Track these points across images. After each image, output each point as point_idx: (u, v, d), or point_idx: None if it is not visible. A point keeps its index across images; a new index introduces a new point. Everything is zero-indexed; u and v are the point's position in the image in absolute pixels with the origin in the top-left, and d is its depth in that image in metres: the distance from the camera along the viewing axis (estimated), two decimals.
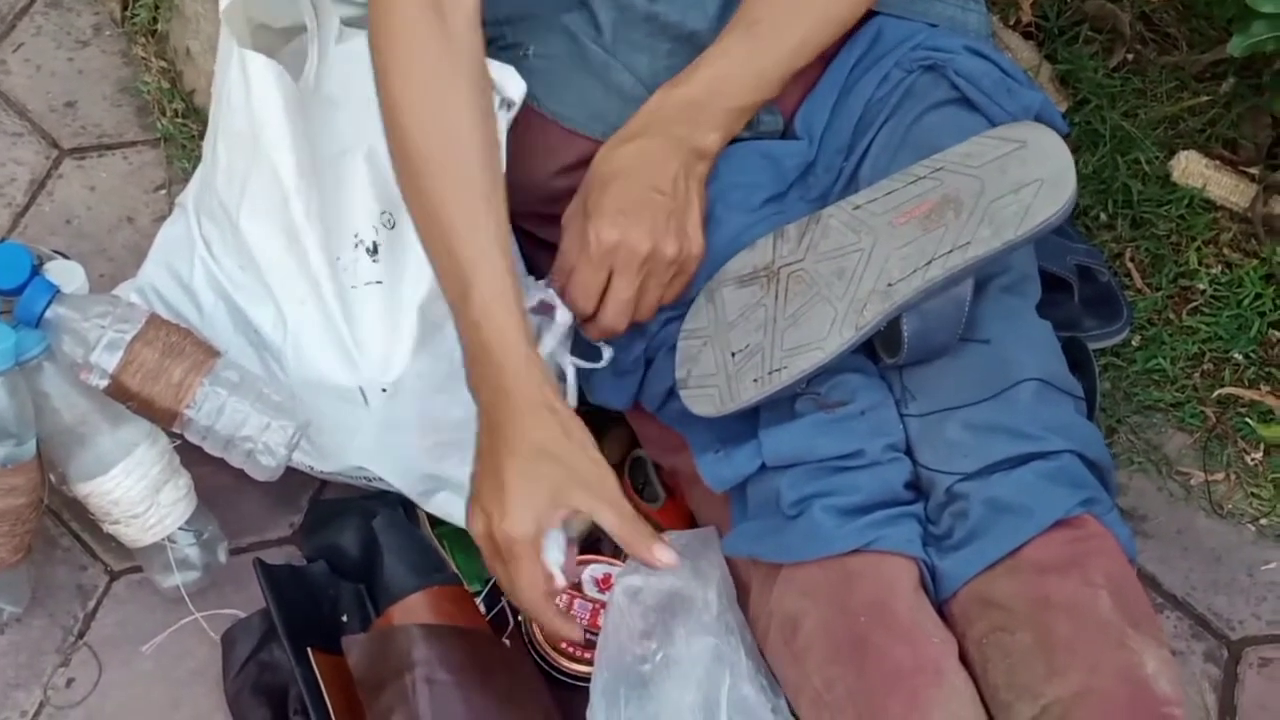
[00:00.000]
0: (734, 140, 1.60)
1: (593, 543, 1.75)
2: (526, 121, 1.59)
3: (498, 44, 1.66)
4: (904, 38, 1.65)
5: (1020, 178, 1.49)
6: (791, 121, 1.66)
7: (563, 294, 1.52)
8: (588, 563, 1.69)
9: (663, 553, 1.39)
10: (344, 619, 1.62)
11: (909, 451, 1.50)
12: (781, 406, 1.51)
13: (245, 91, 1.54)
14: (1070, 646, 1.38)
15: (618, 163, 1.52)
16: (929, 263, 1.48)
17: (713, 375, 1.52)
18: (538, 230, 1.66)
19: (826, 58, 1.65)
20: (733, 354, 1.52)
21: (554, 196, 1.61)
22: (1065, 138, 1.76)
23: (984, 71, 1.64)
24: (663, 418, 1.60)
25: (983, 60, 1.65)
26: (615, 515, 1.40)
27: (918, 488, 1.50)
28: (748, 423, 1.53)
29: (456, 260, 1.43)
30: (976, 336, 1.52)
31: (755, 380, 1.50)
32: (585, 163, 1.59)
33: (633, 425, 1.72)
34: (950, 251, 1.48)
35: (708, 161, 1.54)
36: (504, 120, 1.58)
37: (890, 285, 1.48)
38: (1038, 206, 1.48)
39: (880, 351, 1.54)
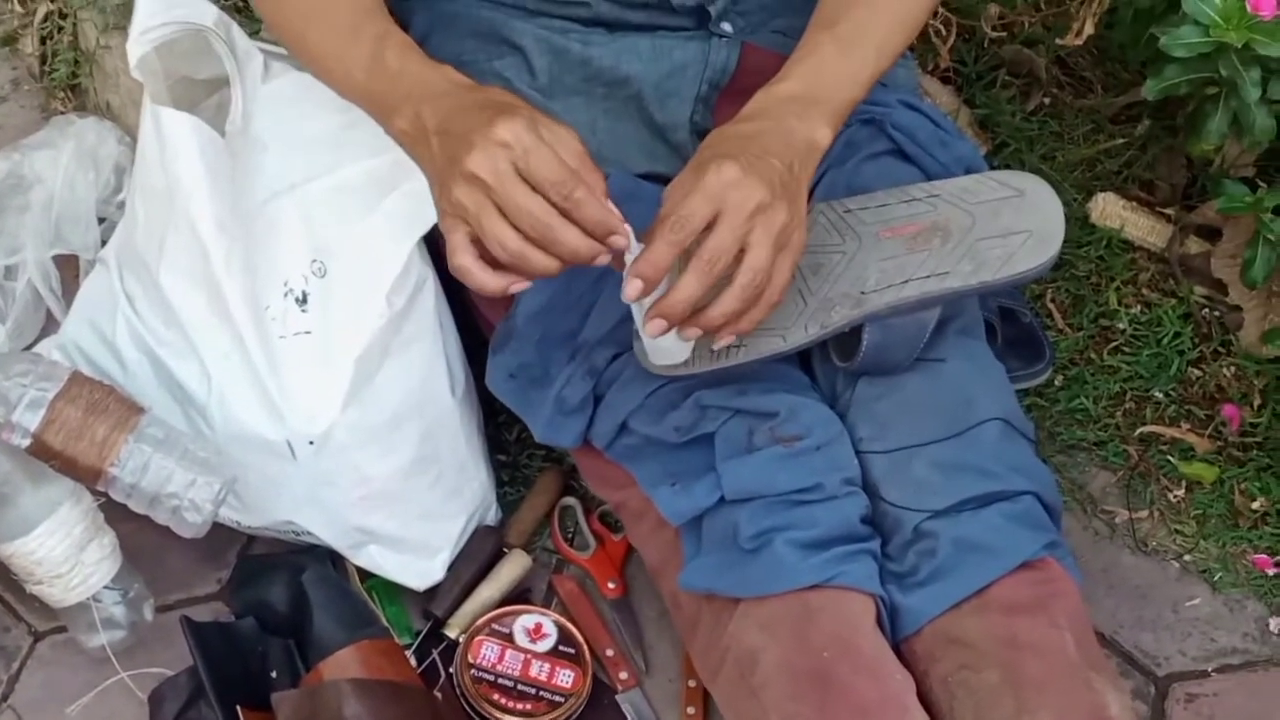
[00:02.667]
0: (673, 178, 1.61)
1: (523, 594, 1.74)
2: None
3: None
4: None
5: (1011, 225, 1.51)
6: None
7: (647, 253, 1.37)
8: (518, 613, 1.69)
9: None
10: (273, 675, 1.60)
11: (866, 488, 1.52)
12: (738, 440, 1.51)
13: (159, 147, 1.53)
14: (1040, 686, 1.40)
15: (735, 137, 1.42)
16: (905, 282, 1.50)
17: (671, 335, 1.52)
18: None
19: None
20: None
21: None
22: None
23: (919, 125, 1.69)
24: (611, 454, 1.60)
25: (917, 114, 1.70)
26: (564, 128, 1.35)
27: (873, 524, 1.51)
28: (700, 458, 1.53)
29: (347, 55, 1.44)
30: (940, 375, 1.54)
31: (714, 351, 1.50)
32: None
33: (577, 461, 1.71)
34: (928, 277, 1.50)
35: (818, 155, 1.47)
36: None
37: (863, 293, 1.50)
38: (1021, 256, 1.50)
39: (834, 353, 1.55)
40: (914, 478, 1.50)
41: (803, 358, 1.59)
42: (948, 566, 1.46)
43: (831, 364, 1.57)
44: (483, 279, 1.34)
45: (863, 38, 1.52)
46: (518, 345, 1.61)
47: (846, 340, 1.53)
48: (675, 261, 1.36)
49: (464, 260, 1.34)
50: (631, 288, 1.35)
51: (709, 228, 1.35)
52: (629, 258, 1.36)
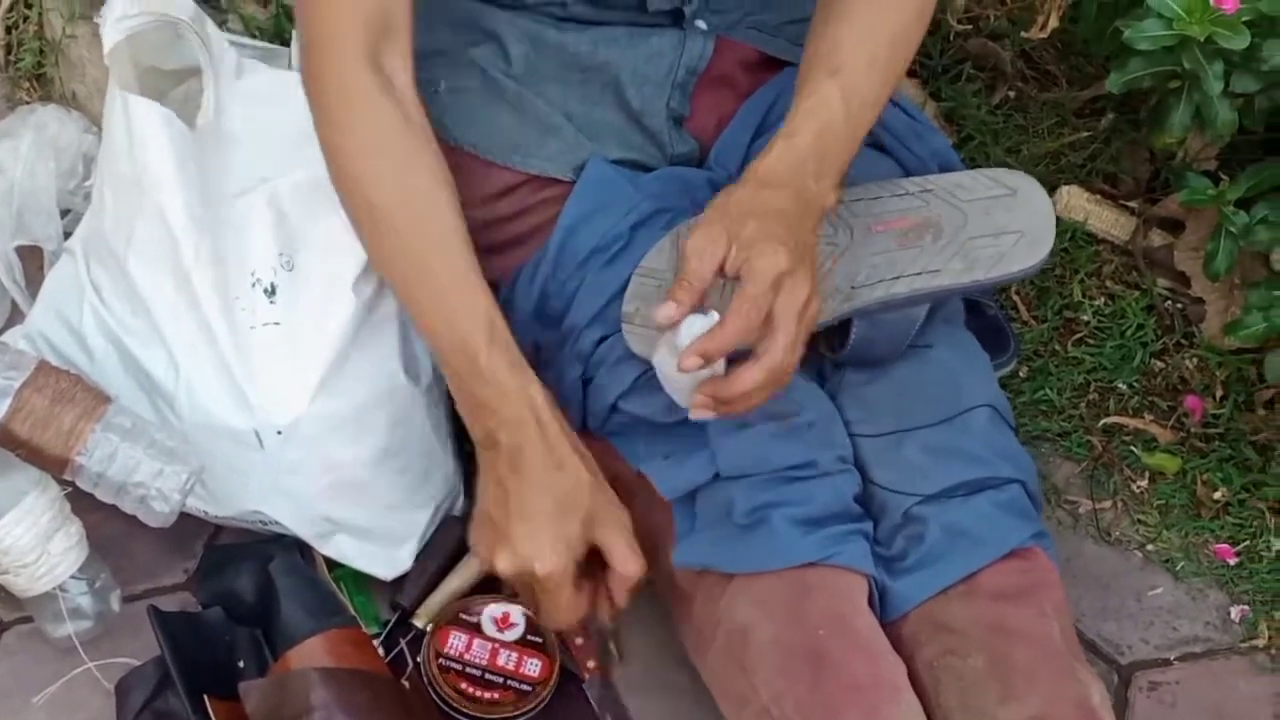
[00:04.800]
0: (649, 166, 1.64)
1: (490, 582, 1.74)
2: (445, 158, 1.60)
3: None
4: None
5: (1003, 224, 1.52)
6: (707, 154, 1.69)
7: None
8: (486, 602, 1.69)
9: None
10: (240, 665, 1.60)
11: (858, 469, 1.52)
12: (730, 420, 1.52)
13: (128, 135, 1.53)
14: (1027, 674, 1.42)
15: (767, 211, 1.42)
16: (896, 278, 1.50)
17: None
18: None
19: (741, 95, 1.68)
20: None
21: (474, 228, 1.62)
22: None
23: (894, 117, 1.70)
24: (603, 432, 1.61)
25: (892, 106, 1.70)
26: (628, 548, 1.43)
27: (865, 504, 1.52)
28: (693, 436, 1.54)
29: (455, 327, 1.43)
30: (928, 361, 1.55)
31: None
32: (506, 192, 1.61)
33: None
34: (919, 274, 1.50)
35: (823, 216, 1.48)
36: None
37: (853, 288, 1.50)
38: (1012, 256, 1.51)
39: (820, 344, 1.56)
40: (904, 461, 1.51)
41: None
42: (936, 552, 1.47)
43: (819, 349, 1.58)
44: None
45: (863, 93, 1.50)
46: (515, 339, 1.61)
47: (834, 331, 1.54)
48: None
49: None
50: (689, 362, 1.37)
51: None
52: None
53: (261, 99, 1.60)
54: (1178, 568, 1.87)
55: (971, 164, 2.12)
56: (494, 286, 1.60)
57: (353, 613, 1.66)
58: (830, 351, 1.55)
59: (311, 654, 1.56)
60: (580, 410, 1.60)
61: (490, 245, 1.63)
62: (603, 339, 1.57)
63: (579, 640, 1.70)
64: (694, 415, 1.44)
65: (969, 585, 1.47)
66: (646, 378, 1.55)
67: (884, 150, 1.69)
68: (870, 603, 1.47)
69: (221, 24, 1.78)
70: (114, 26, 1.52)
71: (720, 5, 1.68)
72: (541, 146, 1.63)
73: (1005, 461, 1.53)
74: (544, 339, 1.61)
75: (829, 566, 1.46)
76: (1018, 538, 1.49)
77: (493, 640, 1.66)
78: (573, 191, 1.61)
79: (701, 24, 1.66)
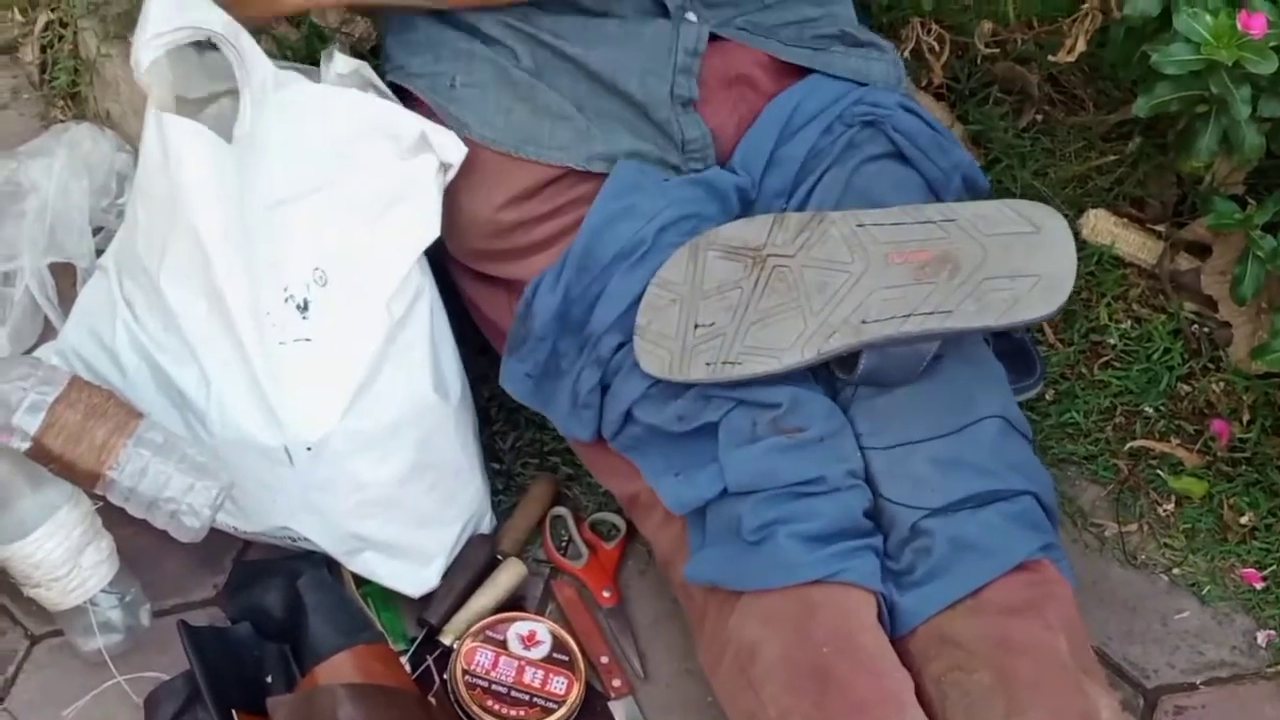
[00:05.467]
0: (676, 172, 1.65)
1: (517, 601, 1.75)
2: (468, 157, 1.61)
3: (425, 76, 1.68)
4: (842, 92, 1.72)
5: (1022, 266, 1.51)
6: (730, 156, 1.70)
7: None
8: (512, 620, 1.70)
9: None
10: (269, 680, 1.61)
11: (869, 483, 1.53)
12: (741, 430, 1.53)
13: (163, 153, 1.54)
14: (1033, 688, 1.42)
15: None
16: (908, 316, 1.51)
17: (670, 339, 1.53)
18: (489, 268, 1.69)
19: (764, 95, 1.71)
20: (696, 325, 1.53)
21: (502, 230, 1.64)
22: (985, 195, 1.82)
23: (919, 129, 1.72)
24: (617, 445, 1.62)
25: (917, 119, 1.73)
26: None
27: (875, 519, 1.52)
28: (705, 449, 1.54)
29: None
30: (938, 372, 1.56)
31: (708, 364, 1.51)
32: (535, 192, 1.62)
33: (590, 460, 1.73)
34: (932, 313, 1.51)
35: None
36: (442, 182, 1.60)
37: (864, 322, 1.51)
38: (1027, 302, 1.51)
39: (833, 365, 1.56)
40: (912, 474, 1.51)
41: None
42: (943, 566, 1.47)
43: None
44: None
45: None
46: (534, 346, 1.62)
47: (845, 357, 1.54)
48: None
49: None
50: None
51: None
52: None
53: (298, 112, 1.61)
54: (1204, 592, 1.87)
55: (998, 187, 2.13)
56: (519, 292, 1.61)
57: (380, 629, 1.67)
58: (842, 373, 1.56)
59: (339, 670, 1.56)
60: (597, 417, 1.61)
61: (516, 249, 1.64)
62: (621, 345, 1.58)
63: (604, 659, 1.70)
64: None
65: (975, 600, 1.47)
66: (660, 385, 1.56)
67: (907, 162, 1.71)
68: (880, 618, 1.47)
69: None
70: (149, 44, 1.53)
71: (711, 1, 1.70)
72: (553, 136, 1.65)
73: (1016, 473, 1.53)
74: (564, 345, 1.62)
75: (835, 583, 1.46)
76: (1025, 551, 1.49)
77: (519, 658, 1.67)
78: (599, 194, 1.62)
79: (691, 16, 1.68)
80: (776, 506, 1.49)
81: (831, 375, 1.59)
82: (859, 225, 1.53)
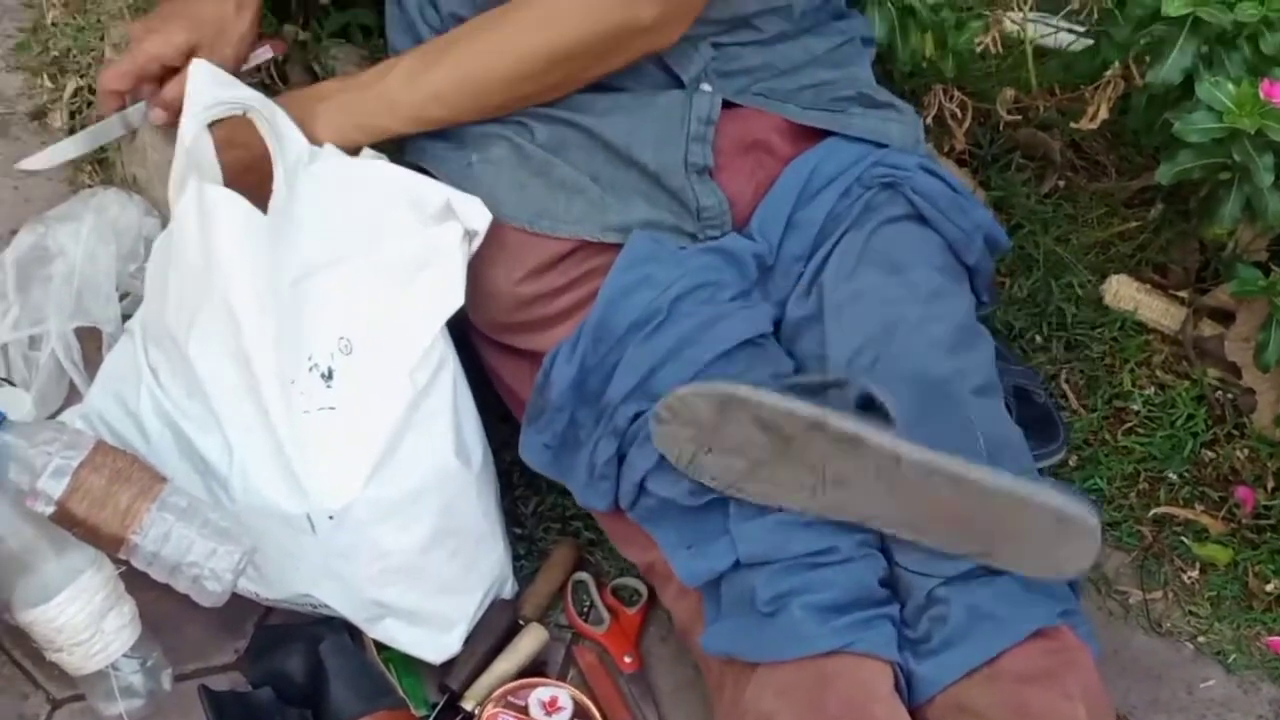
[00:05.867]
0: (694, 240, 1.67)
1: (538, 667, 1.75)
2: (486, 233, 1.63)
3: (443, 158, 1.70)
4: (859, 155, 1.72)
5: (1043, 553, 1.48)
6: (748, 223, 1.71)
7: None
8: (534, 686, 1.69)
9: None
10: None
11: (884, 550, 1.52)
12: (751, 504, 1.53)
13: (200, 224, 1.56)
14: None
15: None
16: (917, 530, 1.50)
17: (685, 440, 1.53)
18: (510, 339, 1.69)
19: (781, 161, 1.71)
20: (709, 450, 1.53)
21: (521, 303, 1.65)
22: (1004, 259, 1.81)
23: (938, 190, 1.72)
24: (634, 515, 1.62)
25: (936, 179, 1.73)
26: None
27: (892, 586, 1.51)
28: (718, 520, 1.54)
29: None
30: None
31: (713, 479, 1.52)
32: (552, 265, 1.63)
33: (608, 528, 1.73)
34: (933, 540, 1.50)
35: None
36: (468, 249, 1.61)
37: (866, 518, 1.51)
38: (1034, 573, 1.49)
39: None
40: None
41: None
42: (959, 635, 1.46)
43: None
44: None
45: (427, 83, 1.66)
46: (552, 416, 1.63)
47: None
48: None
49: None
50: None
51: None
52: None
53: (329, 184, 1.63)
54: (1230, 660, 1.86)
55: (1020, 252, 2.13)
56: (540, 363, 1.62)
57: (401, 695, 1.67)
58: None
59: None
60: (614, 488, 1.61)
61: (536, 320, 1.65)
62: (638, 415, 1.58)
63: None
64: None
65: (992, 668, 1.45)
66: None
67: (926, 223, 1.70)
68: (897, 687, 1.47)
69: None
70: (194, 119, 1.57)
71: (727, 69, 1.71)
72: (569, 210, 1.66)
73: None
74: (581, 415, 1.62)
75: (849, 654, 1.45)
76: (1043, 618, 1.47)
77: None
78: (614, 265, 1.63)
79: (707, 86, 1.69)
80: (790, 577, 1.48)
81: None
82: (896, 459, 1.48)
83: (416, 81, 1.67)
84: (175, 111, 1.65)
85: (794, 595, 1.47)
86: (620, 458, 1.60)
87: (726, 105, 1.72)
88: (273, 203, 1.60)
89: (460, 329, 1.70)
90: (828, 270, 1.67)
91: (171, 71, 1.74)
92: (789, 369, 1.64)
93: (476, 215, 1.62)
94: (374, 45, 2.06)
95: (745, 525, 1.52)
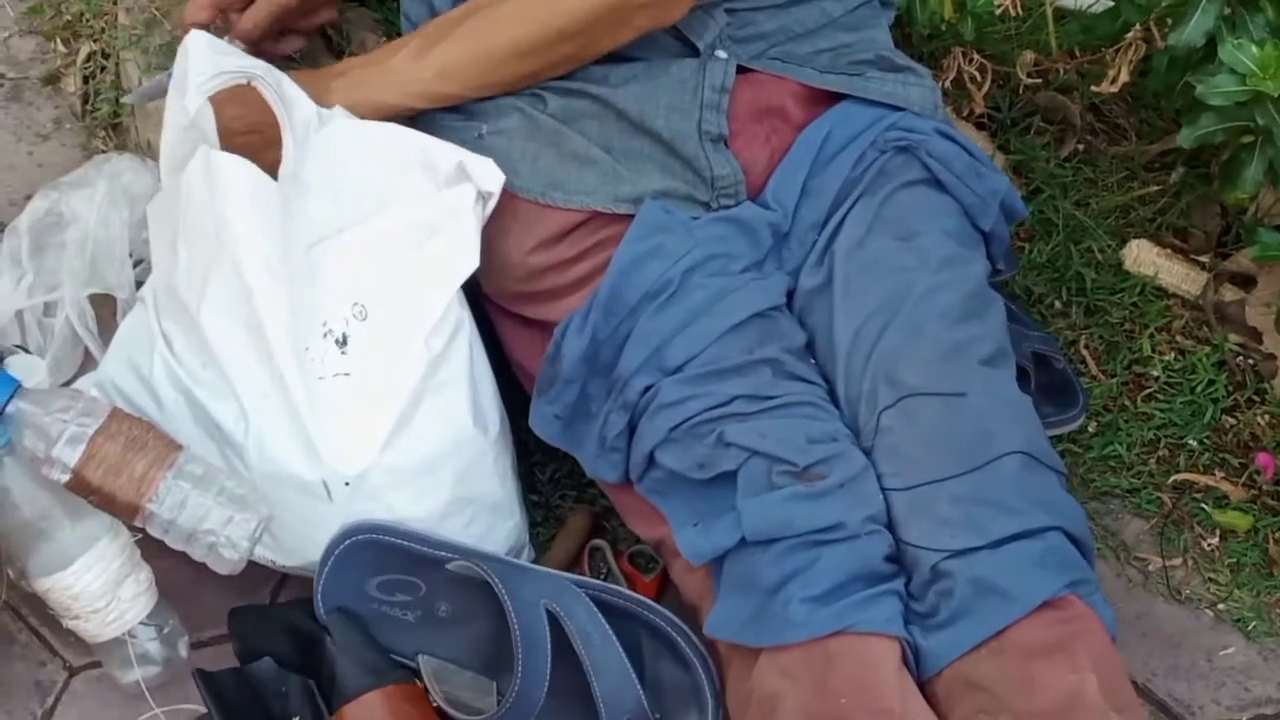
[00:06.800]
0: (708, 210, 1.65)
1: None
2: (498, 203, 1.62)
3: (453, 128, 1.69)
4: (874, 119, 1.71)
5: None
6: (763, 190, 1.69)
7: None
8: None
9: None
10: (295, 719, 1.60)
11: (890, 525, 1.51)
12: (759, 478, 1.51)
13: (209, 191, 1.55)
14: None
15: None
16: None
17: None
18: (522, 309, 1.69)
19: (795, 127, 1.69)
20: None
21: (533, 273, 1.64)
22: (1023, 224, 1.79)
23: (954, 155, 1.70)
24: (642, 489, 1.61)
25: (953, 144, 1.71)
26: None
27: (898, 561, 1.50)
28: (726, 496, 1.53)
29: None
30: (960, 409, 1.53)
31: None
32: (563, 235, 1.63)
33: (617, 502, 1.72)
34: None
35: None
36: (482, 212, 1.61)
37: None
38: None
39: None
40: (933, 515, 1.49)
41: (833, 395, 1.60)
42: (965, 609, 1.45)
43: (854, 400, 1.58)
44: None
45: (435, 53, 1.67)
46: (562, 388, 1.62)
47: None
48: None
49: None
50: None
51: None
52: None
53: (339, 149, 1.62)
54: (1250, 627, 1.85)
55: (1040, 216, 2.12)
56: (551, 333, 1.61)
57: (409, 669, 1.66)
58: None
59: (369, 710, 1.56)
60: (624, 460, 1.61)
61: (548, 291, 1.64)
62: (648, 387, 1.57)
63: None
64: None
65: (999, 641, 1.44)
66: (682, 429, 1.55)
67: (944, 189, 1.69)
68: (906, 662, 1.46)
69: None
70: (196, 90, 1.56)
71: (742, 35, 1.69)
72: (580, 180, 1.65)
73: (1040, 509, 1.49)
74: (592, 387, 1.62)
75: (853, 634, 1.44)
76: (1049, 589, 1.45)
77: None
78: (625, 236, 1.62)
79: (722, 53, 1.68)
80: (794, 556, 1.47)
81: (854, 414, 1.58)
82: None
83: (424, 57, 1.67)
84: (250, 43, 1.75)
85: (797, 575, 1.46)
86: (631, 430, 1.59)
87: (742, 70, 1.70)
88: (283, 168, 1.59)
89: (475, 296, 1.70)
90: (840, 238, 1.65)
91: (246, 1, 1.77)
92: (801, 341, 1.63)
93: (490, 177, 1.61)
94: (389, 9, 2.05)
95: (751, 501, 1.50)
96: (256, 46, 1.77)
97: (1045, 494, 1.51)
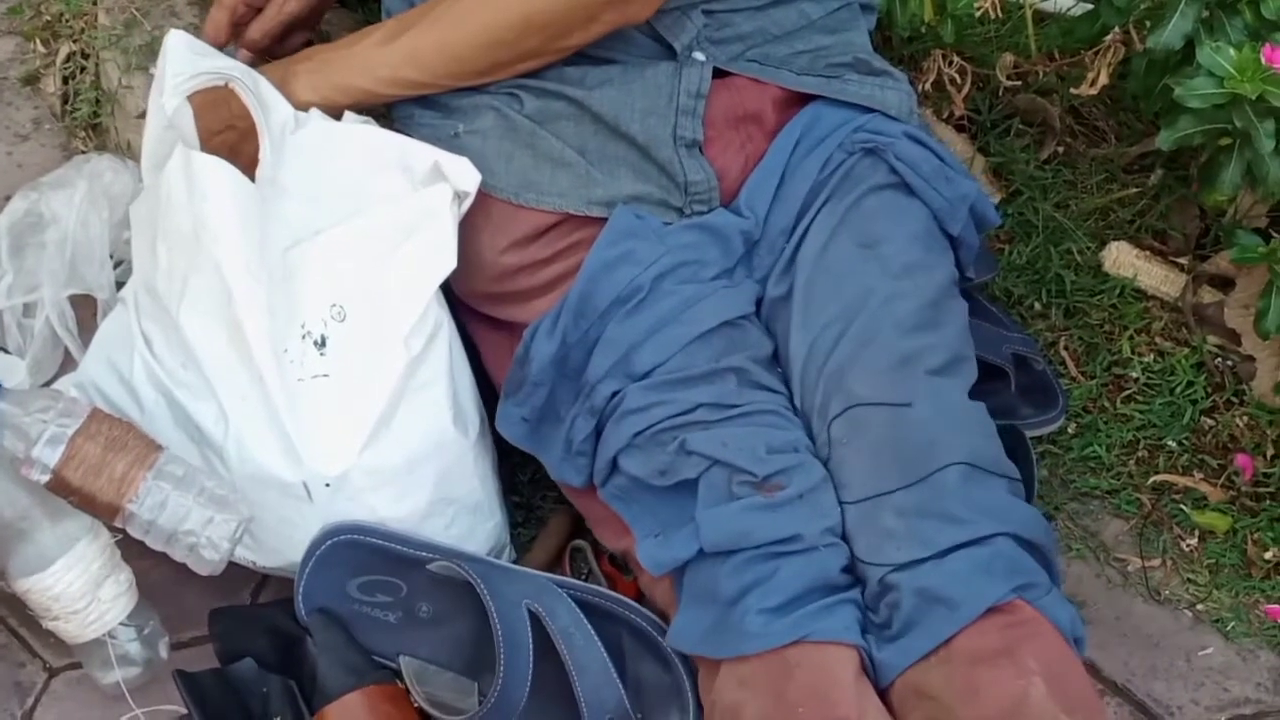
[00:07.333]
0: (681, 215, 1.65)
1: None
2: (472, 203, 1.62)
3: (430, 126, 1.69)
4: (842, 121, 1.70)
5: None
6: (736, 197, 1.69)
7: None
8: None
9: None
10: None
11: (845, 539, 1.51)
12: (719, 489, 1.52)
13: (188, 191, 1.55)
14: None
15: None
16: None
17: None
18: (492, 310, 1.68)
19: (769, 134, 1.68)
20: None
21: (505, 274, 1.64)
22: (999, 229, 1.79)
23: (923, 158, 1.69)
24: (605, 495, 1.61)
25: (921, 147, 1.70)
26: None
27: (855, 572, 1.51)
28: (684, 506, 1.53)
29: None
30: (904, 420, 1.53)
31: None
32: (537, 236, 1.62)
33: (584, 509, 1.72)
34: None
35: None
36: (457, 211, 1.60)
37: None
38: None
39: None
40: (879, 528, 1.48)
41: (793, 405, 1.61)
42: (912, 620, 1.45)
43: (809, 410, 1.58)
44: None
45: (405, 39, 1.66)
46: (530, 390, 1.62)
47: None
48: None
49: None
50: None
51: None
52: None
53: (315, 151, 1.62)
54: (1228, 628, 1.85)
55: (1019, 219, 2.12)
56: (518, 334, 1.61)
57: (390, 670, 1.66)
58: None
59: (350, 711, 1.56)
60: (589, 464, 1.61)
61: (519, 292, 1.64)
62: (615, 393, 1.58)
63: None
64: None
65: (946, 650, 1.43)
66: (645, 435, 1.55)
67: (912, 192, 1.68)
68: (866, 670, 1.46)
69: None
70: (173, 91, 1.56)
71: (720, 36, 1.69)
72: (553, 182, 1.65)
73: (986, 516, 1.48)
74: (560, 391, 1.62)
75: (810, 643, 1.44)
76: (994, 595, 1.44)
77: None
78: (596, 240, 1.62)
79: (699, 55, 1.68)
80: (752, 568, 1.47)
81: (807, 427, 1.58)
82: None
83: (394, 43, 1.66)
84: (257, 51, 1.78)
85: (754, 587, 1.46)
86: (598, 435, 1.59)
87: (719, 74, 1.70)
88: (260, 170, 1.59)
89: (448, 298, 1.70)
90: (805, 245, 1.65)
91: (255, 11, 1.78)
92: (768, 350, 1.63)
93: (466, 176, 1.61)
94: (370, 10, 2.05)
95: (709, 512, 1.50)
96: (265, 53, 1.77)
97: (991, 501, 1.50)
